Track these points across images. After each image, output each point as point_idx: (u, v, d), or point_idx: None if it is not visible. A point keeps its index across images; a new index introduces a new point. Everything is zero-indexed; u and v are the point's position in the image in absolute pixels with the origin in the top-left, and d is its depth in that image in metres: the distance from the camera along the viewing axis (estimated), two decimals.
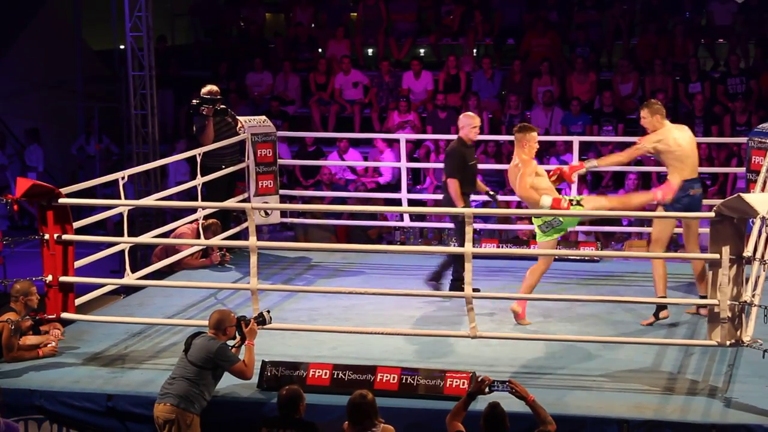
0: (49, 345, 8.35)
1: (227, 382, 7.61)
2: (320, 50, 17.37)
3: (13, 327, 8.10)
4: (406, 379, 7.53)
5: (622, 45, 16.77)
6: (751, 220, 7.72)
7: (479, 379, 6.77)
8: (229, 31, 18.33)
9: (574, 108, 15.10)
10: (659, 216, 9.11)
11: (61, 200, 8.43)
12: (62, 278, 8.45)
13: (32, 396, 7.74)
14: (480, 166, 14.05)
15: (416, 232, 12.97)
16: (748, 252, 7.46)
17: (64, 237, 8.43)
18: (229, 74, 16.85)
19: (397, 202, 12.59)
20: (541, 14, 16.64)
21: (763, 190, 9.05)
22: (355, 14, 17.82)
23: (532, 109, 15.49)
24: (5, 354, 8.21)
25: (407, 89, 16.00)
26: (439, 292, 9.53)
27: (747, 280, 7.64)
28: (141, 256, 13.16)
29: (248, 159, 11.39)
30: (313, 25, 17.85)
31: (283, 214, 12.02)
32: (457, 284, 9.38)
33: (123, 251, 9.33)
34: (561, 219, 8.80)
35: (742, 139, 11.01)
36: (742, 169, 10.80)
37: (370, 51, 18.10)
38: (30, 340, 8.34)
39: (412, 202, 12.61)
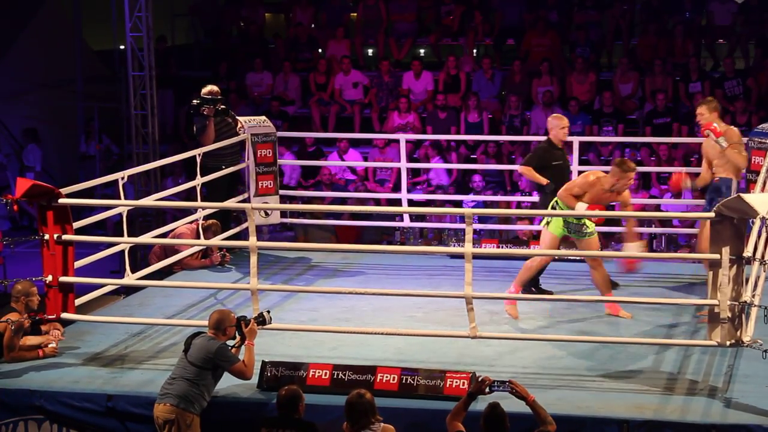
0: (49, 345, 8.35)
1: (227, 382, 7.60)
2: (320, 50, 17.37)
3: (14, 327, 8.10)
4: (406, 380, 7.53)
5: (622, 45, 16.77)
6: (751, 221, 7.72)
7: (479, 379, 6.77)
8: (229, 32, 18.33)
9: (574, 108, 15.10)
10: (659, 216, 9.12)
11: (61, 200, 8.42)
12: (62, 278, 8.44)
13: (32, 396, 7.74)
14: (479, 167, 14.18)
15: (416, 233, 12.98)
16: (748, 252, 7.46)
17: (64, 237, 8.43)
18: (229, 74, 16.85)
19: (397, 202, 12.59)
20: (541, 14, 16.64)
21: (763, 190, 9.05)
22: (355, 14, 17.82)
23: (532, 109, 15.49)
24: (6, 354, 8.21)
25: (407, 89, 15.99)
26: (438, 292, 9.52)
27: (747, 280, 7.64)
28: (141, 256, 13.15)
29: (248, 159, 11.39)
30: (313, 26, 17.84)
31: (283, 214, 12.02)
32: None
33: (123, 251, 9.33)
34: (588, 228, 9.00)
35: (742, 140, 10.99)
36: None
37: (370, 51, 18.10)
38: (31, 340, 8.34)
39: (412, 203, 12.62)
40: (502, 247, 11.15)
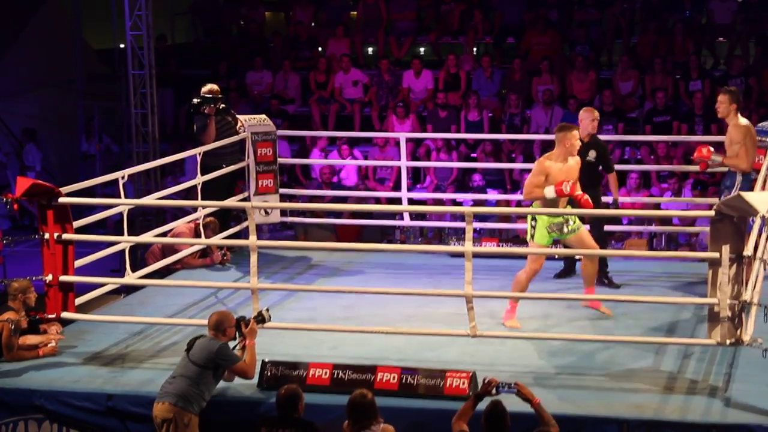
0: (49, 344, 8.35)
1: (227, 382, 7.62)
2: (320, 49, 17.37)
3: (12, 326, 8.10)
4: (406, 379, 7.53)
5: (623, 43, 16.76)
6: (751, 219, 7.72)
7: (486, 381, 6.79)
8: (229, 30, 18.33)
9: (574, 106, 15.08)
10: (659, 214, 9.11)
11: (61, 199, 8.42)
12: (62, 278, 8.44)
13: (32, 395, 7.74)
14: (479, 165, 14.17)
15: (416, 231, 12.97)
16: (748, 251, 7.46)
17: (64, 236, 8.43)
18: (229, 73, 16.85)
19: (397, 201, 12.59)
20: (541, 13, 16.64)
21: (763, 188, 9.05)
22: (355, 13, 17.82)
23: (532, 107, 15.49)
24: (5, 353, 8.21)
25: (407, 88, 15.98)
26: (438, 291, 9.51)
27: (747, 278, 7.64)
28: (141, 255, 13.15)
29: (248, 158, 11.38)
30: (313, 24, 17.85)
31: (283, 213, 12.02)
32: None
33: (123, 251, 9.33)
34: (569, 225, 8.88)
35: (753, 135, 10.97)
36: None
37: (370, 50, 18.10)
38: (30, 339, 8.34)
39: (412, 202, 12.61)
40: (503, 246, 11.14)
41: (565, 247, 9.32)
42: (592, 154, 9.97)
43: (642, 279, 10.29)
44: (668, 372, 7.90)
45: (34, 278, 8.40)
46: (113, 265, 11.23)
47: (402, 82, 16.15)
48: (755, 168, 9.85)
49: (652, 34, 16.25)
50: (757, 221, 7.71)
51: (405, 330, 8.56)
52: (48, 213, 8.41)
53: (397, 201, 12.61)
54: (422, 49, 18.54)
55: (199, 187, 10.61)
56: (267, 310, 7.90)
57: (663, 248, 12.40)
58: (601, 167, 10.08)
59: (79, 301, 8.73)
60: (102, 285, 9.17)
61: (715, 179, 13.81)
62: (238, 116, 11.49)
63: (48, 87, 17.44)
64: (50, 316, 8.46)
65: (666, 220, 12.13)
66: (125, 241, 9.40)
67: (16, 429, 7.74)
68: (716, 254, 7.43)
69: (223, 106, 11.08)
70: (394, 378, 7.53)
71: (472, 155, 14.94)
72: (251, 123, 11.45)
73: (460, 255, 8.87)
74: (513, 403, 6.71)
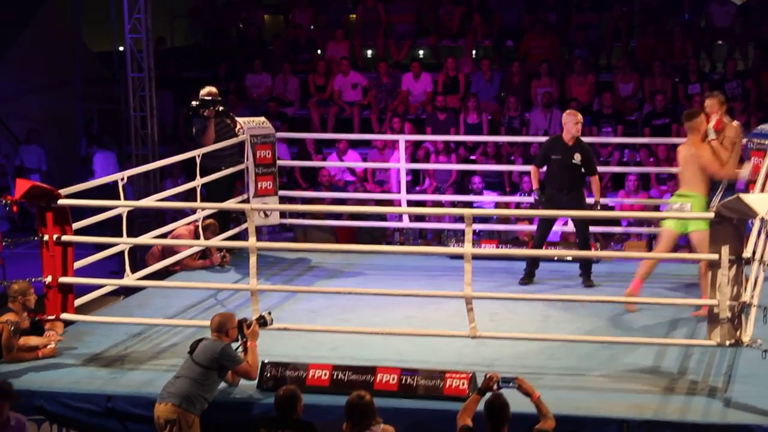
0: (48, 346, 8.35)
1: (231, 386, 7.65)
2: (319, 52, 17.37)
3: (12, 328, 8.10)
4: (406, 380, 7.53)
5: (621, 46, 16.77)
6: (750, 221, 7.72)
7: (488, 376, 6.83)
8: (228, 33, 18.33)
9: (573, 109, 15.07)
10: (660, 216, 9.12)
11: (61, 201, 8.42)
12: (62, 279, 8.45)
13: (32, 397, 7.73)
14: (478, 168, 14.17)
15: (415, 233, 12.97)
16: (747, 253, 7.46)
17: (64, 238, 8.43)
18: (228, 76, 16.85)
19: (396, 204, 12.59)
20: (540, 16, 16.64)
21: (762, 191, 9.05)
22: (354, 16, 17.82)
23: (531, 110, 15.49)
24: (5, 355, 8.21)
25: (406, 91, 15.98)
26: (438, 292, 9.51)
27: (746, 280, 7.64)
28: (140, 257, 13.15)
29: (247, 160, 11.38)
30: (312, 27, 17.85)
31: (283, 215, 12.02)
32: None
33: (122, 252, 9.33)
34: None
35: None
36: None
37: (369, 52, 18.10)
38: (31, 341, 8.34)
39: (411, 203, 12.61)
40: (502, 248, 11.15)
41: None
42: (577, 157, 10.19)
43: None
44: (668, 372, 7.90)
45: (33, 280, 8.40)
46: (113, 267, 11.22)
47: (401, 85, 16.15)
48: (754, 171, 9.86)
49: (651, 37, 16.26)
50: (756, 223, 7.71)
51: (404, 331, 8.56)
52: (47, 215, 8.41)
53: (397, 203, 12.61)
54: (421, 52, 18.54)
55: (198, 189, 10.61)
56: (269, 313, 7.92)
57: None
58: (584, 170, 10.23)
59: (78, 302, 8.73)
60: (101, 286, 9.17)
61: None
62: (237, 119, 11.49)
63: (47, 89, 17.44)
64: (50, 317, 8.46)
65: None
66: (124, 243, 9.40)
67: None
68: (716, 256, 7.43)
69: (222, 108, 11.09)
70: (393, 379, 7.54)
71: (471, 158, 14.94)
72: (250, 125, 11.45)
73: (460, 257, 8.87)
74: (514, 404, 6.72)
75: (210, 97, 11.05)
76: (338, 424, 6.83)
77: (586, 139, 10.22)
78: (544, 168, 10.46)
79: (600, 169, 11.03)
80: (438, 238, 12.84)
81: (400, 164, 12.20)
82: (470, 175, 14.29)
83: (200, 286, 9.92)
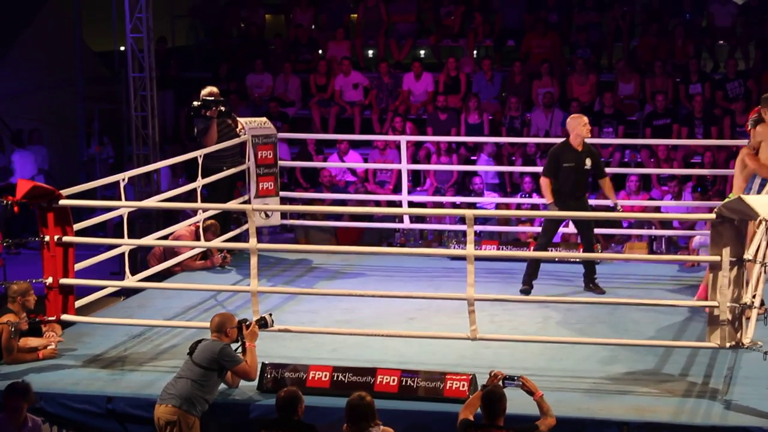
0: (48, 347, 8.35)
1: (231, 388, 7.65)
2: (320, 52, 17.36)
3: (12, 329, 8.10)
4: (406, 381, 7.53)
5: (623, 46, 16.76)
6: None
7: (492, 374, 6.88)
8: (229, 33, 18.32)
9: (574, 109, 15.06)
10: (660, 217, 9.10)
11: (62, 202, 8.42)
12: (62, 280, 8.44)
13: None
14: (479, 168, 14.16)
15: (416, 234, 12.97)
16: (748, 254, 7.45)
17: (65, 239, 8.43)
18: (229, 75, 16.84)
19: (397, 204, 12.59)
20: (541, 15, 16.63)
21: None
22: (355, 15, 17.81)
23: (532, 110, 15.48)
24: (5, 356, 8.21)
25: (407, 90, 15.97)
26: (440, 294, 9.51)
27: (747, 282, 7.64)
28: (142, 257, 13.16)
29: (249, 161, 11.38)
30: (313, 27, 17.84)
31: (284, 215, 12.02)
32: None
33: (123, 253, 9.33)
34: None
35: (743, 141, 10.98)
36: None
37: (370, 52, 18.09)
38: (31, 342, 8.34)
39: (412, 204, 12.60)
40: (503, 249, 11.14)
41: None
42: (588, 162, 10.01)
43: (642, 282, 10.29)
44: (668, 375, 7.90)
45: (34, 281, 8.39)
46: (113, 268, 11.22)
47: (402, 85, 16.14)
48: None
49: (652, 37, 16.24)
50: (761, 226, 7.69)
51: (405, 333, 8.56)
52: (48, 215, 8.41)
53: (398, 204, 12.61)
54: (422, 52, 18.53)
55: (198, 190, 10.61)
56: (270, 315, 7.91)
57: (663, 251, 12.40)
58: (593, 173, 10.14)
59: (79, 303, 8.73)
60: (102, 288, 9.16)
61: (717, 182, 13.84)
62: (238, 119, 11.49)
63: (48, 89, 17.43)
64: (50, 318, 8.46)
65: (666, 223, 12.13)
66: (125, 244, 9.40)
67: None
68: (717, 257, 7.43)
69: (224, 108, 11.08)
70: (394, 380, 7.54)
71: (472, 158, 14.94)
72: (252, 126, 11.45)
73: (460, 258, 8.87)
74: (518, 404, 6.73)
75: (212, 98, 11.04)
76: (338, 425, 6.83)
77: (587, 140, 10.14)
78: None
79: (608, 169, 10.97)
80: (439, 239, 12.84)
81: (401, 165, 12.18)
82: (471, 176, 14.29)
83: (201, 288, 9.92)
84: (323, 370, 7.67)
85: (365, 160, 14.98)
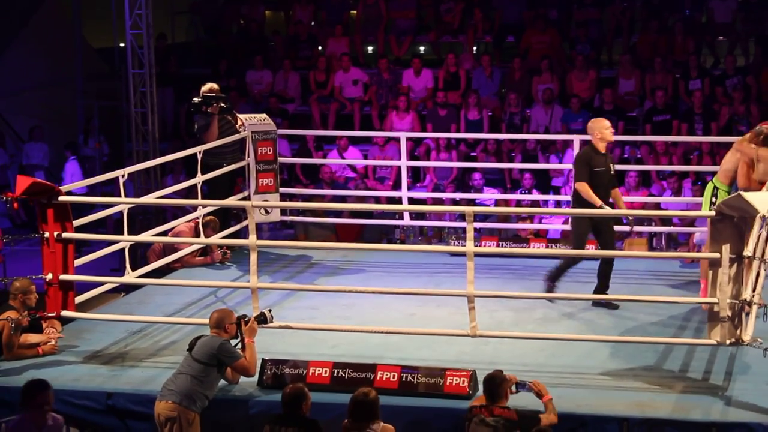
0: (49, 343, 8.35)
1: (232, 384, 7.66)
2: (320, 48, 17.36)
3: (13, 325, 8.10)
4: (406, 378, 7.53)
5: (622, 42, 16.76)
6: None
7: (507, 378, 6.98)
8: (229, 29, 18.32)
9: (574, 105, 15.09)
10: (662, 215, 9.10)
11: (61, 198, 8.42)
12: (62, 276, 8.44)
13: None
14: (480, 165, 14.16)
15: (416, 231, 12.97)
16: (748, 251, 7.45)
17: (64, 235, 8.43)
18: (229, 72, 16.84)
19: (397, 201, 12.59)
20: (541, 12, 16.64)
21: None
22: (355, 12, 17.81)
23: (532, 106, 15.48)
24: (5, 352, 8.21)
25: (407, 86, 15.97)
26: (440, 290, 9.51)
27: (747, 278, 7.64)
28: (142, 254, 13.16)
29: (248, 157, 11.38)
30: (312, 23, 17.84)
31: (284, 212, 12.01)
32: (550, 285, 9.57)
33: (123, 249, 9.33)
34: None
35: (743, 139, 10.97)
36: None
37: (370, 49, 18.09)
38: (31, 338, 8.34)
39: (412, 201, 12.60)
40: (503, 245, 11.14)
41: None
42: (612, 167, 9.74)
43: (642, 278, 10.29)
44: (668, 371, 7.91)
45: (34, 277, 8.39)
46: (113, 264, 11.22)
47: (402, 81, 16.14)
48: None
49: (652, 33, 16.24)
50: (757, 221, 7.69)
51: (405, 329, 8.56)
52: (48, 212, 8.41)
53: (397, 200, 12.61)
54: (422, 48, 18.53)
55: (199, 186, 10.61)
56: (270, 310, 7.91)
57: (663, 247, 12.40)
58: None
59: (78, 299, 8.73)
60: (102, 284, 9.17)
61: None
62: (238, 115, 11.48)
63: (48, 86, 17.43)
64: (50, 314, 8.46)
65: (666, 220, 12.12)
66: (125, 240, 9.40)
67: None
68: (716, 254, 7.43)
69: (224, 105, 11.08)
70: (394, 376, 7.54)
71: (472, 154, 14.93)
72: (252, 122, 11.45)
73: (460, 254, 8.87)
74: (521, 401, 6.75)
75: (213, 94, 11.04)
76: (339, 421, 6.84)
77: (587, 137, 10.05)
78: None
79: None
80: (439, 235, 12.84)
81: (401, 161, 12.17)
82: (471, 172, 14.29)
83: (201, 284, 9.92)
84: (323, 366, 7.67)
85: (365, 157, 14.97)
